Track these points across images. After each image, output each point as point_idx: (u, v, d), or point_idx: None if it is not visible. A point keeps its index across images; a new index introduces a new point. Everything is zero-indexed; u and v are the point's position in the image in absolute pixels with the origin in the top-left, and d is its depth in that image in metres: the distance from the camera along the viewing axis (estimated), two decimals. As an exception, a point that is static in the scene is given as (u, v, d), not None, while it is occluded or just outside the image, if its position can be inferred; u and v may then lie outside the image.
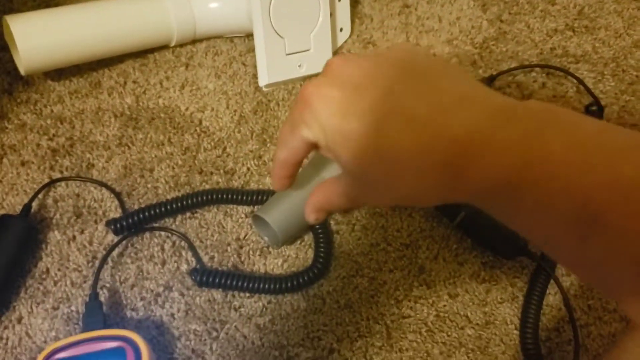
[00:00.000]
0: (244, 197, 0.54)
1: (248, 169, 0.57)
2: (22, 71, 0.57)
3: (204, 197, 0.53)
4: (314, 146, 0.34)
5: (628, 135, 0.28)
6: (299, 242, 0.54)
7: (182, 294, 0.51)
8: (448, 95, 0.30)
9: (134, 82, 0.62)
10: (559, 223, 0.28)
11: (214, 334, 0.49)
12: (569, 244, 0.28)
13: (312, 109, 0.32)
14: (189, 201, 0.53)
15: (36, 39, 0.56)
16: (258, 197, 0.54)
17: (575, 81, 0.65)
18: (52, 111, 0.60)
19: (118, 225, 0.52)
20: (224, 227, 0.54)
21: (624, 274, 0.27)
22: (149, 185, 0.56)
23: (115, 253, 0.52)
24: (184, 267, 0.52)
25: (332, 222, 0.55)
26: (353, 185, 0.35)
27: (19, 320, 0.49)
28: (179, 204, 0.53)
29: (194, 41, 0.65)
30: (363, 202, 0.37)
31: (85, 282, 0.51)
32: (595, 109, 0.62)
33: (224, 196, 0.54)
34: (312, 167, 0.52)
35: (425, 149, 0.29)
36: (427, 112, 0.29)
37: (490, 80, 0.63)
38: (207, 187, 0.56)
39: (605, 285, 0.30)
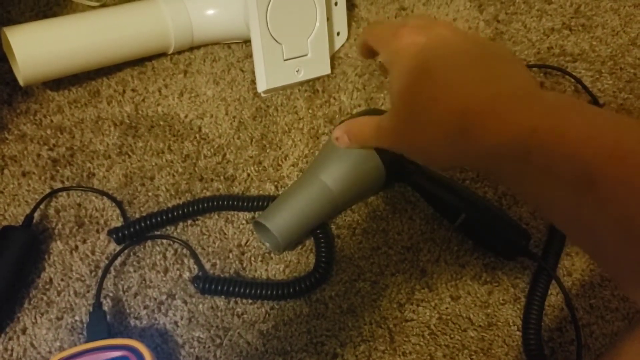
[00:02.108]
0: (245, 204, 0.54)
1: (248, 175, 0.58)
2: (21, 82, 0.57)
3: (205, 205, 0.54)
4: (375, 54, 0.44)
5: (628, 118, 0.33)
6: (300, 247, 0.54)
7: (185, 302, 0.51)
8: (489, 72, 0.36)
9: (133, 90, 0.62)
10: (559, 184, 0.31)
11: (218, 341, 0.49)
12: (565, 205, 0.31)
13: (399, 40, 0.39)
14: (190, 209, 0.53)
15: (34, 50, 0.56)
16: (259, 203, 0.54)
17: (573, 80, 0.65)
18: (51, 121, 0.60)
19: (120, 234, 0.52)
20: (225, 234, 0.54)
21: (610, 236, 0.29)
22: (150, 194, 0.56)
23: (117, 262, 0.52)
24: (186, 275, 0.52)
25: (332, 226, 0.55)
26: (384, 118, 0.41)
27: (24, 331, 0.49)
28: (181, 212, 0.53)
29: (192, 48, 0.65)
30: (387, 140, 0.42)
31: (88, 291, 0.51)
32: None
33: (225, 203, 0.54)
34: (312, 172, 0.53)
35: (452, 106, 0.35)
36: (470, 82, 0.36)
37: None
38: (208, 194, 0.56)
39: (594, 249, 0.33)
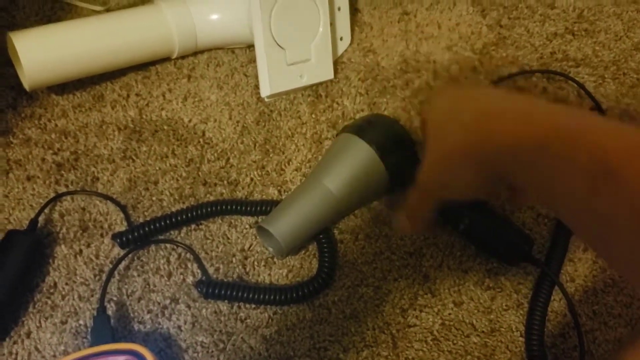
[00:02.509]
0: (249, 208, 0.54)
1: (251, 179, 0.58)
2: (26, 86, 0.58)
3: (209, 209, 0.54)
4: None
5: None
6: (303, 252, 0.54)
7: (189, 306, 0.51)
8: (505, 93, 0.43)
9: (137, 94, 0.63)
10: (576, 173, 0.32)
11: (221, 345, 0.49)
12: (580, 195, 0.32)
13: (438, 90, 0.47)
14: (194, 213, 0.53)
15: (40, 55, 0.56)
16: (262, 208, 0.55)
17: (576, 85, 0.65)
18: (56, 125, 0.60)
19: (124, 239, 0.52)
20: (228, 239, 0.55)
21: (624, 227, 0.30)
22: (154, 198, 0.56)
23: (121, 266, 0.52)
24: (189, 279, 0.52)
25: (335, 231, 0.55)
26: (420, 168, 0.44)
27: (28, 335, 0.49)
28: (184, 216, 0.53)
29: (196, 53, 0.66)
30: (427, 176, 0.45)
31: (92, 295, 0.51)
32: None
33: (229, 207, 0.54)
34: (315, 177, 0.53)
35: (472, 112, 0.40)
36: (487, 98, 0.41)
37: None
38: (211, 198, 0.56)
39: (605, 243, 0.34)
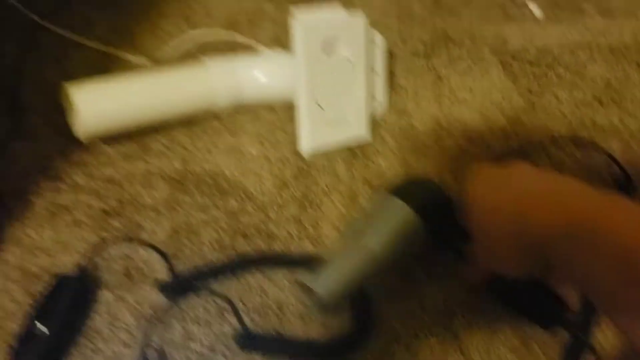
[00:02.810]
0: (288, 261, 0.56)
1: (289, 232, 0.60)
2: (81, 138, 0.61)
3: (251, 262, 0.56)
4: None
5: None
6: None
7: (225, 356, 0.52)
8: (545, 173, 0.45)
9: (182, 147, 0.65)
10: (603, 265, 0.35)
11: (256, 397, 0.51)
12: (607, 283, 0.35)
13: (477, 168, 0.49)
14: (236, 265, 0.55)
15: (95, 108, 0.60)
16: (301, 262, 0.56)
17: (604, 153, 0.67)
18: (103, 173, 0.63)
19: (167, 288, 0.54)
20: (265, 291, 0.56)
21: None
22: (195, 248, 0.58)
23: (162, 314, 0.54)
24: (227, 330, 0.54)
25: (370, 288, 0.57)
26: (475, 243, 0.48)
27: (70, 379, 0.51)
28: (227, 268, 0.55)
29: (239, 109, 0.69)
30: (479, 261, 0.49)
31: (134, 342, 0.52)
32: (623, 182, 0.63)
33: (270, 260, 0.56)
34: (353, 236, 0.54)
35: (509, 194, 0.43)
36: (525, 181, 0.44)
37: (521, 153, 0.65)
38: (250, 250, 0.58)
39: (634, 328, 0.35)
